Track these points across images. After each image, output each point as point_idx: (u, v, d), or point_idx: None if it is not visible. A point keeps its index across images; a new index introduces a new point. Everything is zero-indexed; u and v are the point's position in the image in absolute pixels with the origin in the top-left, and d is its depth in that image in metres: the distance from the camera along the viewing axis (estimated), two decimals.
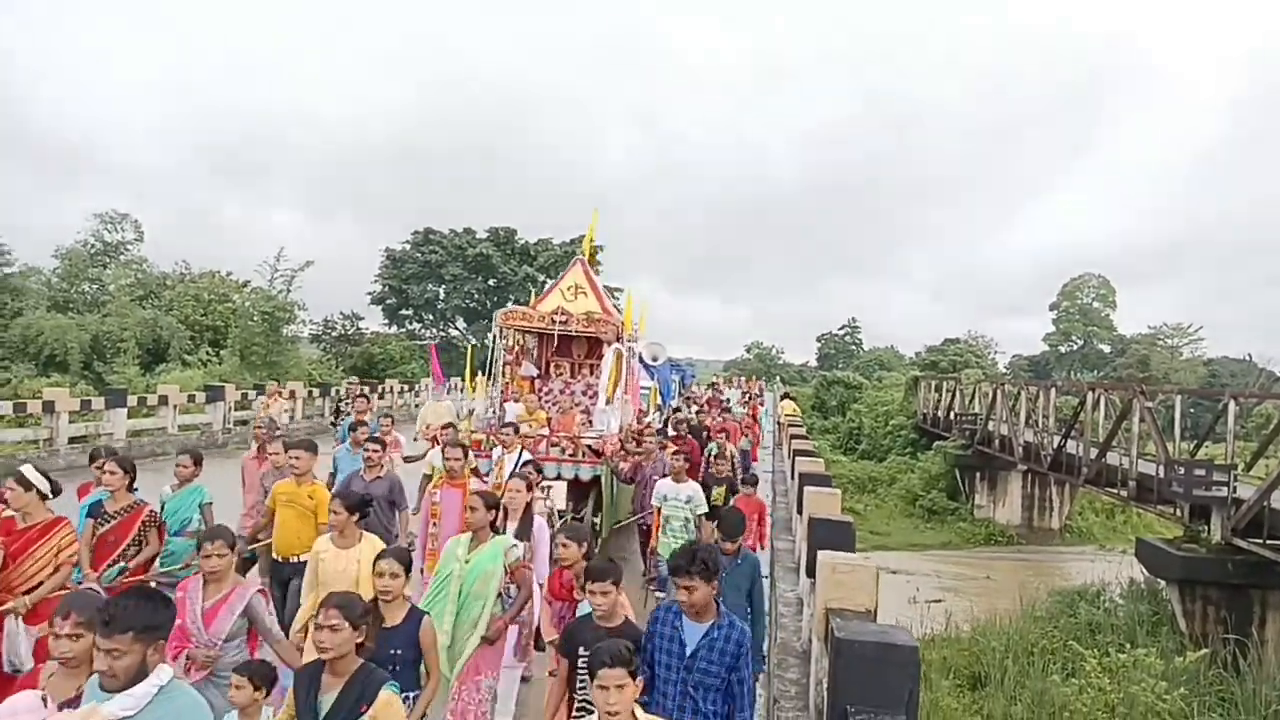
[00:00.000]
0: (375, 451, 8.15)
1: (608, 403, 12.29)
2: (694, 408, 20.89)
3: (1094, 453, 21.95)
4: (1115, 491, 21.18)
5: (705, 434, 14.76)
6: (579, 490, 11.24)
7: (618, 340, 12.65)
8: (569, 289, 14.09)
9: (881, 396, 47.81)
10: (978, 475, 31.81)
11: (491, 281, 54.57)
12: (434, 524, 7.46)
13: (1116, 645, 14.52)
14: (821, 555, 5.91)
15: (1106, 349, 79.76)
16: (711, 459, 11.56)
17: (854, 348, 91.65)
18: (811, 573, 7.01)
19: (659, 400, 20.33)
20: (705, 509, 8.97)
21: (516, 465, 9.25)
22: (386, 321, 55.89)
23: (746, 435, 18.95)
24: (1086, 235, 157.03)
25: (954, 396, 36.74)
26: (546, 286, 15.44)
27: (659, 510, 9.20)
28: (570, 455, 11.38)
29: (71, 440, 19.52)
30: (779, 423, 27.00)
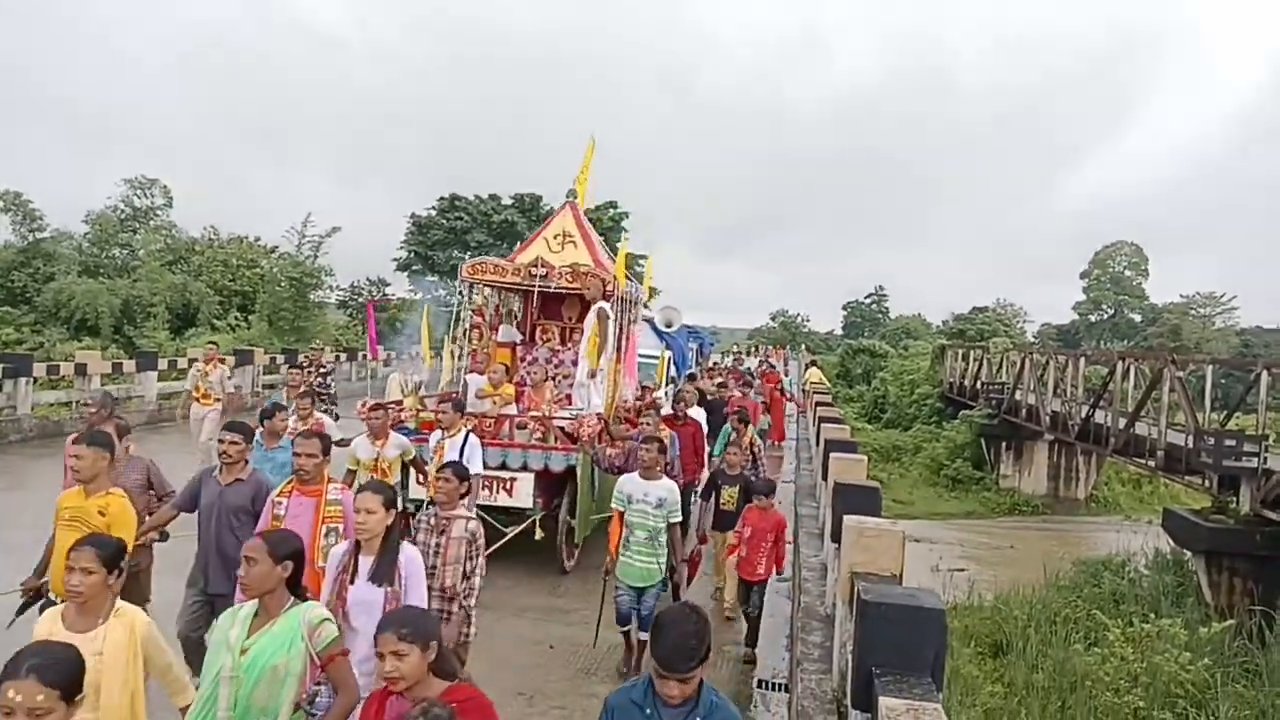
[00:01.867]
0: (234, 444, 5.76)
1: (590, 375, 10.25)
2: (714, 380, 19.08)
3: (1122, 422, 21.76)
4: (1143, 462, 21.01)
5: (725, 412, 12.54)
6: (550, 483, 9.57)
7: (604, 298, 10.41)
8: (555, 237, 11.71)
9: (907, 365, 47.57)
10: (1004, 445, 31.65)
11: (516, 247, 54.67)
12: None
13: (1140, 615, 14.48)
14: (847, 520, 5.93)
15: (1137, 318, 78.92)
16: (726, 448, 9.60)
17: (880, 315, 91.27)
18: (836, 537, 7.03)
19: (671, 371, 18.80)
20: (679, 516, 7.12)
21: (462, 453, 7.90)
22: (412, 288, 56.13)
23: (767, 414, 17.75)
24: (1119, 202, 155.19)
25: (981, 365, 36.50)
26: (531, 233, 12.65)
27: (620, 516, 7.12)
28: (539, 439, 9.62)
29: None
30: (804, 390, 26.97)
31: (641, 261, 55.00)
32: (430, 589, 5.19)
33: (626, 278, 11.78)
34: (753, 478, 9.41)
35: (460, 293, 11.95)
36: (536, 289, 11.17)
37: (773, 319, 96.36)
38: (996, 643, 14.75)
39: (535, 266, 10.90)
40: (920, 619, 4.27)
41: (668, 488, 7.07)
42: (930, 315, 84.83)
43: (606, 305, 10.26)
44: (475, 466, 7.75)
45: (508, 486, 9.32)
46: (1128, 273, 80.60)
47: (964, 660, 13.46)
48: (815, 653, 6.46)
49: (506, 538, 9.34)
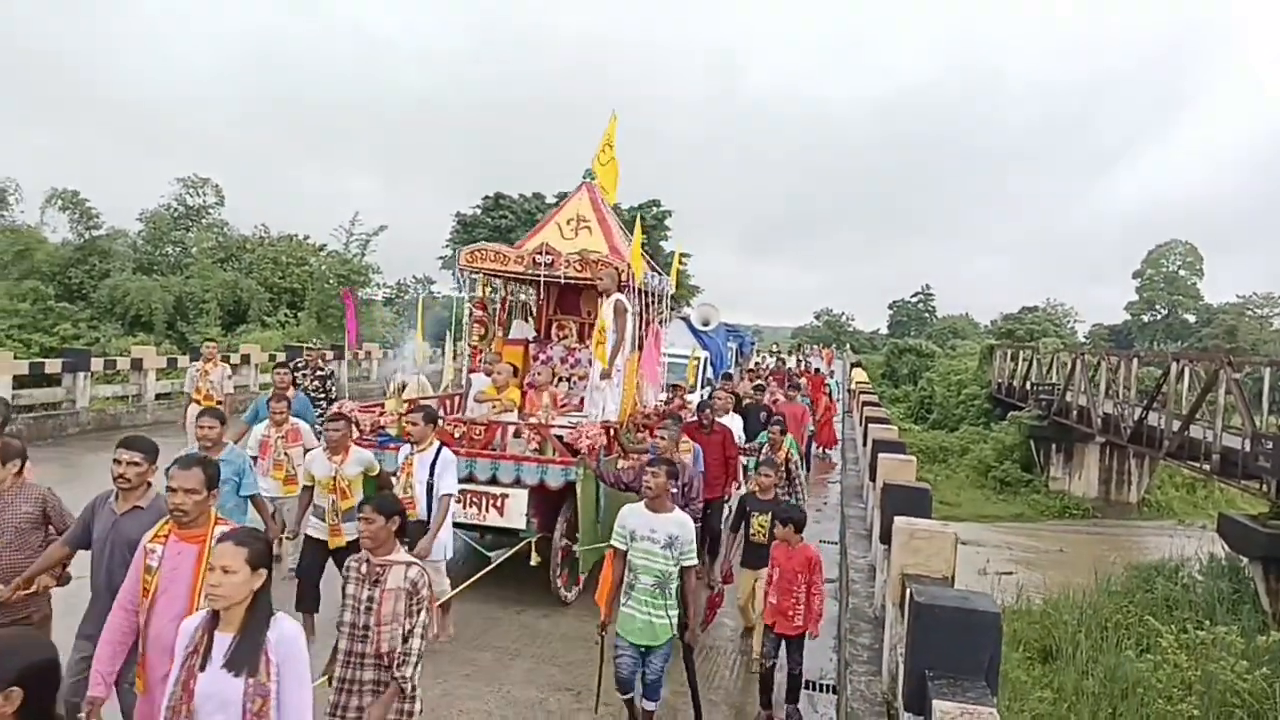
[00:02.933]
0: (132, 464, 4.63)
1: (603, 377, 8.92)
2: (754, 382, 17.44)
3: (1176, 425, 21.35)
4: (1198, 465, 20.59)
5: (765, 418, 11.24)
6: (548, 501, 8.29)
7: (619, 290, 9.19)
8: (569, 222, 10.50)
9: (955, 365, 47.09)
10: (1053, 447, 31.21)
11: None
12: (144, 605, 4.09)
13: (1195, 622, 14.20)
14: (898, 521, 5.88)
15: (1192, 319, 77.33)
16: (756, 465, 8.08)
17: (927, 315, 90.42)
18: (885, 539, 6.98)
19: (708, 373, 17.51)
20: (694, 558, 5.65)
21: (433, 470, 6.90)
22: (457, 286, 56.60)
23: (811, 422, 16.44)
24: (1173, 200, 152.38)
25: (1031, 366, 36.02)
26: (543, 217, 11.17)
27: (616, 555, 5.79)
28: (535, 451, 8.40)
29: (158, 397, 20.37)
30: (850, 390, 26.77)
31: (685, 259, 55.22)
32: (364, 656, 4.40)
33: (652, 268, 10.83)
34: (787, 500, 8.33)
35: (458, 283, 10.75)
36: (543, 279, 9.79)
37: (817, 318, 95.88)
38: (1045, 648, 14.54)
39: (540, 254, 9.61)
40: (974, 622, 4.23)
41: (679, 523, 5.62)
42: (978, 315, 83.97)
43: (623, 297, 9.03)
44: (447, 487, 6.88)
45: (498, 504, 8.18)
46: (1182, 272, 78.98)
47: (1012, 665, 13.29)
48: (864, 654, 6.42)
49: (495, 563, 8.09)
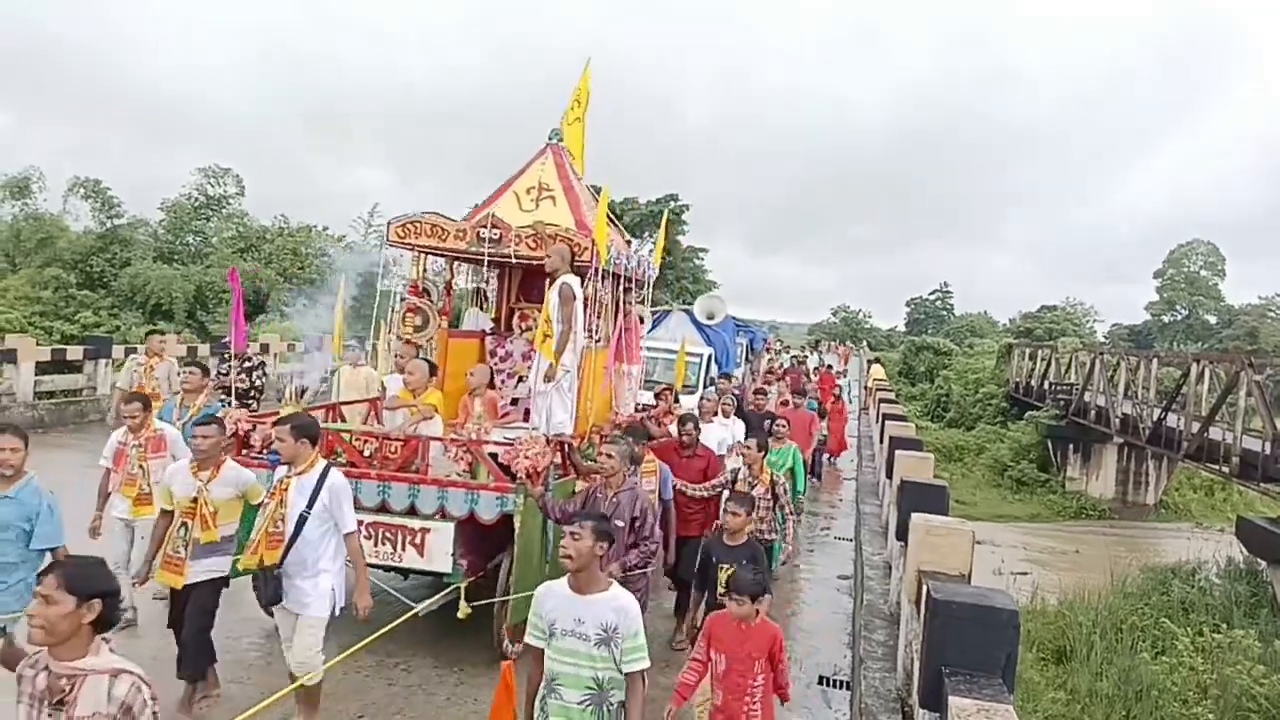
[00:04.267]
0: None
1: (547, 379, 6.95)
2: (768, 384, 16.24)
3: (1196, 427, 21.21)
4: (1217, 467, 20.45)
5: (769, 427, 9.73)
6: (480, 537, 6.70)
7: (572, 269, 7.39)
8: (529, 191, 8.71)
9: (972, 364, 46.87)
10: (1071, 447, 31.06)
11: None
12: None
13: (1211, 625, 14.11)
14: (915, 518, 5.89)
15: (1213, 319, 76.66)
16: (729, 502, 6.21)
17: (945, 313, 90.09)
18: (902, 536, 6.98)
19: (711, 372, 15.84)
20: (642, 658, 3.90)
21: (314, 498, 5.27)
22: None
23: (821, 428, 14.88)
24: (1195, 199, 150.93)
25: (1049, 365, 35.82)
26: (502, 183, 9.21)
27: (527, 655, 4.13)
28: (465, 474, 6.82)
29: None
30: (866, 387, 26.69)
31: (701, 254, 55.06)
32: None
33: (627, 242, 9.47)
34: (770, 541, 7.44)
35: (385, 262, 9.15)
36: (487, 258, 8.05)
37: (834, 314, 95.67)
38: (1060, 649, 14.49)
39: (485, 227, 7.85)
40: (992, 619, 4.22)
41: (619, 608, 3.89)
42: (996, 313, 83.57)
43: (572, 280, 7.22)
44: (347, 522, 5.36)
45: (417, 540, 6.55)
46: (1203, 272, 78.29)
47: (1026, 665, 13.25)
48: (879, 651, 6.42)
49: (412, 613, 6.36)
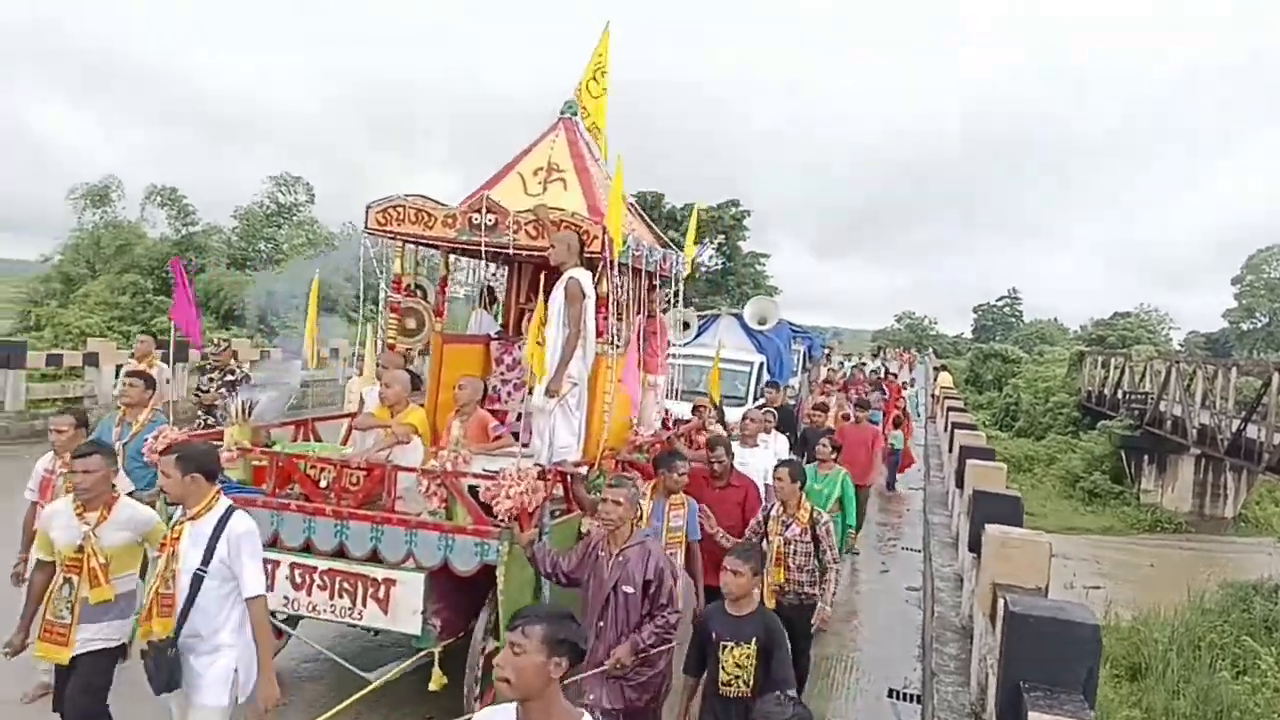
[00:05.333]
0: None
1: (548, 394, 5.92)
2: (824, 396, 14.93)
3: (1278, 438, 20.51)
4: None
5: (828, 443, 8.51)
6: (456, 591, 5.49)
7: (580, 263, 6.30)
8: (536, 172, 7.27)
9: (1042, 372, 45.96)
10: (1145, 458, 30.27)
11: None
12: None
13: None
14: (990, 529, 5.77)
15: None
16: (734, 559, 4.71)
17: (1013, 320, 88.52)
18: (974, 547, 6.85)
19: (762, 382, 14.50)
20: None
21: (211, 550, 4.19)
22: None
23: (884, 446, 13.47)
24: (1275, 203, 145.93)
25: (1123, 374, 35.03)
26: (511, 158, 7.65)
27: None
28: (437, 512, 5.57)
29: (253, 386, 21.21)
30: (934, 395, 26.28)
31: (763, 260, 54.75)
32: None
33: (659, 240, 8.25)
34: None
35: (366, 253, 7.56)
36: (484, 248, 6.69)
37: (898, 321, 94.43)
38: (1134, 665, 14.10)
39: (476, 211, 6.57)
40: (1072, 634, 4.12)
41: None
42: (1067, 320, 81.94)
43: (584, 276, 6.18)
44: (252, 584, 4.23)
45: (380, 593, 5.38)
46: None
47: (1100, 682, 12.91)
48: (951, 664, 6.31)
49: (369, 688, 5.26)
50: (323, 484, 5.69)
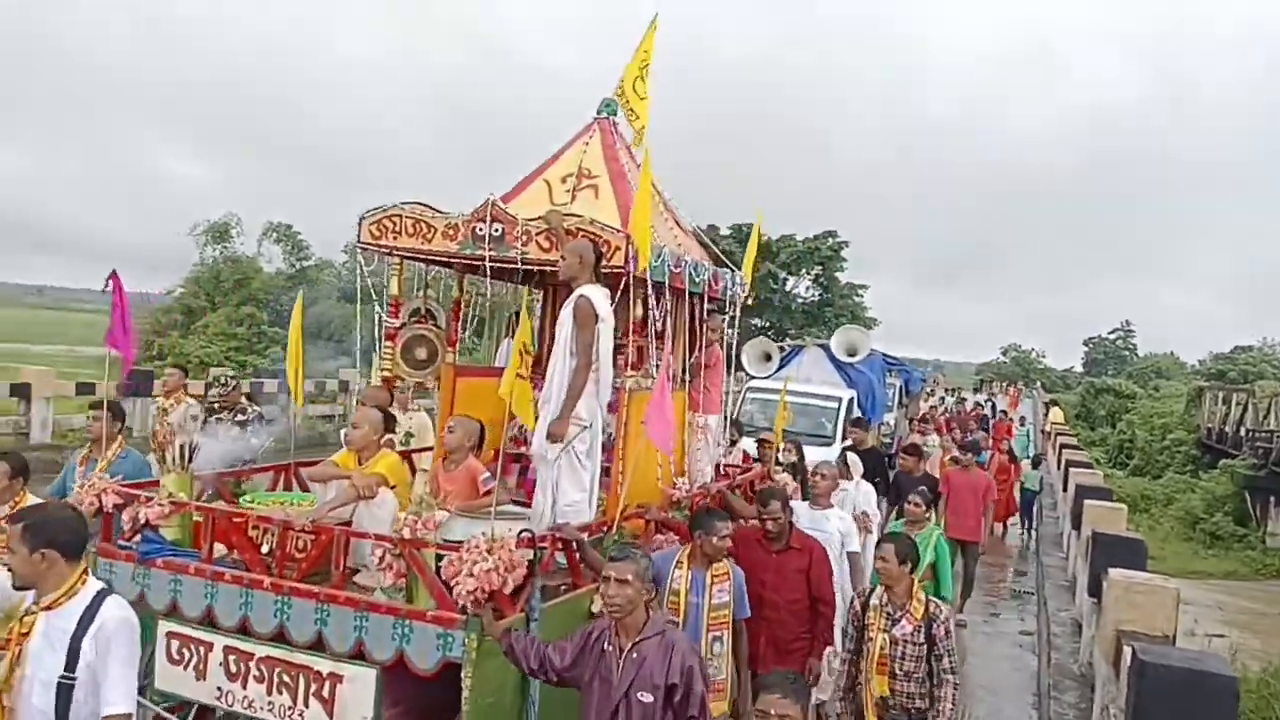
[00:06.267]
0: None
1: (552, 439, 5.04)
2: (921, 434, 13.61)
3: None
4: None
5: (933, 498, 7.92)
6: (419, 691, 4.37)
7: (594, 279, 5.25)
8: (565, 179, 6.30)
9: (1158, 407, 44.16)
10: (1272, 499, 28.74)
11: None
12: None
13: None
14: (1112, 573, 5.57)
15: None
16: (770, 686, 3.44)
17: (1126, 353, 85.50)
18: (1094, 592, 6.60)
19: (851, 418, 12.88)
20: None
21: (75, 651, 3.19)
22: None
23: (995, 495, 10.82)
24: None
25: (1245, 410, 33.39)
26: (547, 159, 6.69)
27: None
28: (394, 590, 4.36)
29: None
30: (1044, 432, 25.43)
31: (861, 291, 54.03)
32: None
33: (710, 254, 7.13)
34: None
35: (361, 271, 6.64)
36: (488, 263, 5.61)
37: (1004, 354, 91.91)
38: None
39: (480, 220, 5.56)
40: (1206, 686, 3.96)
41: None
42: (1184, 354, 78.57)
43: (599, 295, 5.17)
44: (113, 698, 3.20)
45: (324, 691, 4.36)
46: None
47: None
48: (1070, 714, 6.09)
49: None
50: (264, 549, 4.65)
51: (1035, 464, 15.85)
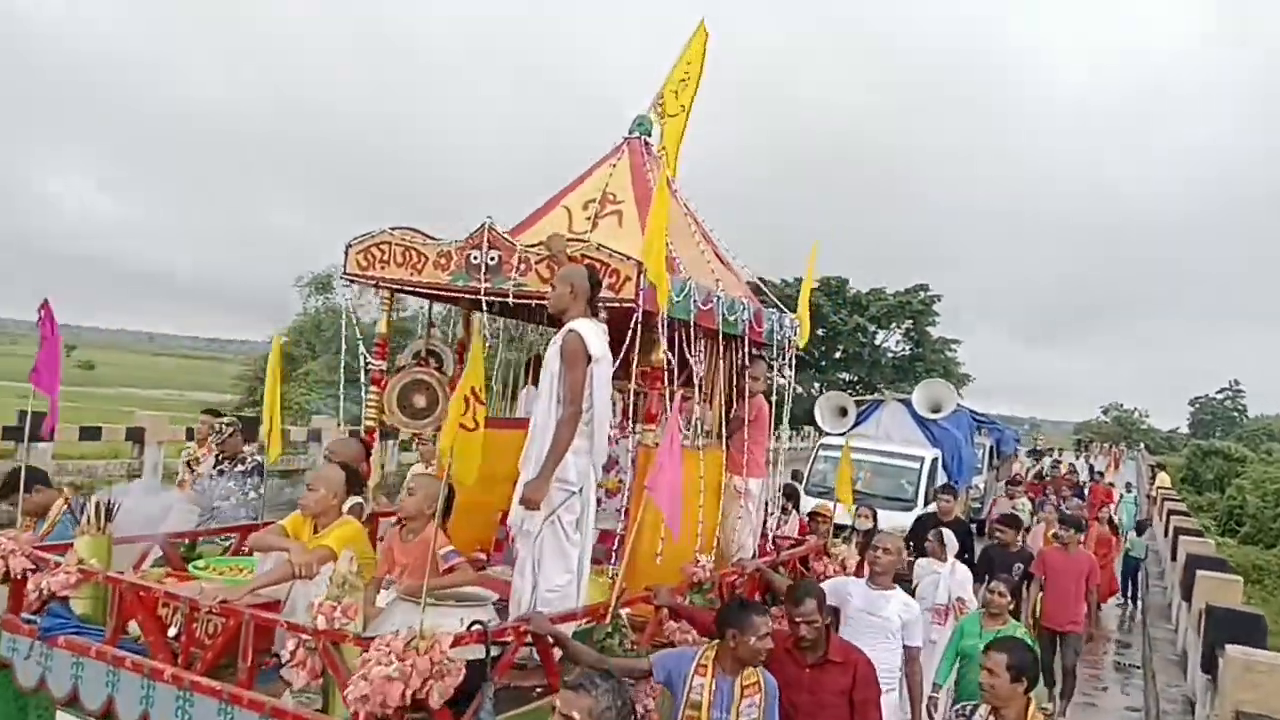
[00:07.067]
0: None
1: (526, 504, 4.22)
2: (1012, 500, 12.56)
3: None
4: None
5: (1022, 578, 7.41)
6: None
7: (585, 311, 4.41)
8: (587, 205, 5.63)
9: (1272, 472, 41.95)
10: None
11: (820, 331, 54.37)
12: None
13: None
14: (1230, 650, 5.30)
15: None
16: None
17: (1235, 414, 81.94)
18: (1208, 668, 6.27)
19: (934, 482, 12.10)
20: None
21: None
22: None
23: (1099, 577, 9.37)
24: None
25: None
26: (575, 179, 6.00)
27: None
28: (314, 694, 3.53)
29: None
30: (1150, 496, 24.38)
31: (954, 346, 52.87)
32: None
33: (762, 296, 6.48)
34: None
35: (347, 305, 6.21)
36: (484, 296, 4.91)
37: (1104, 413, 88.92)
38: None
39: (475, 247, 4.89)
40: None
41: None
42: None
43: (592, 331, 4.35)
44: None
45: None
46: None
47: None
48: None
49: None
50: (172, 631, 3.99)
51: (1140, 530, 15.00)
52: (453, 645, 3.25)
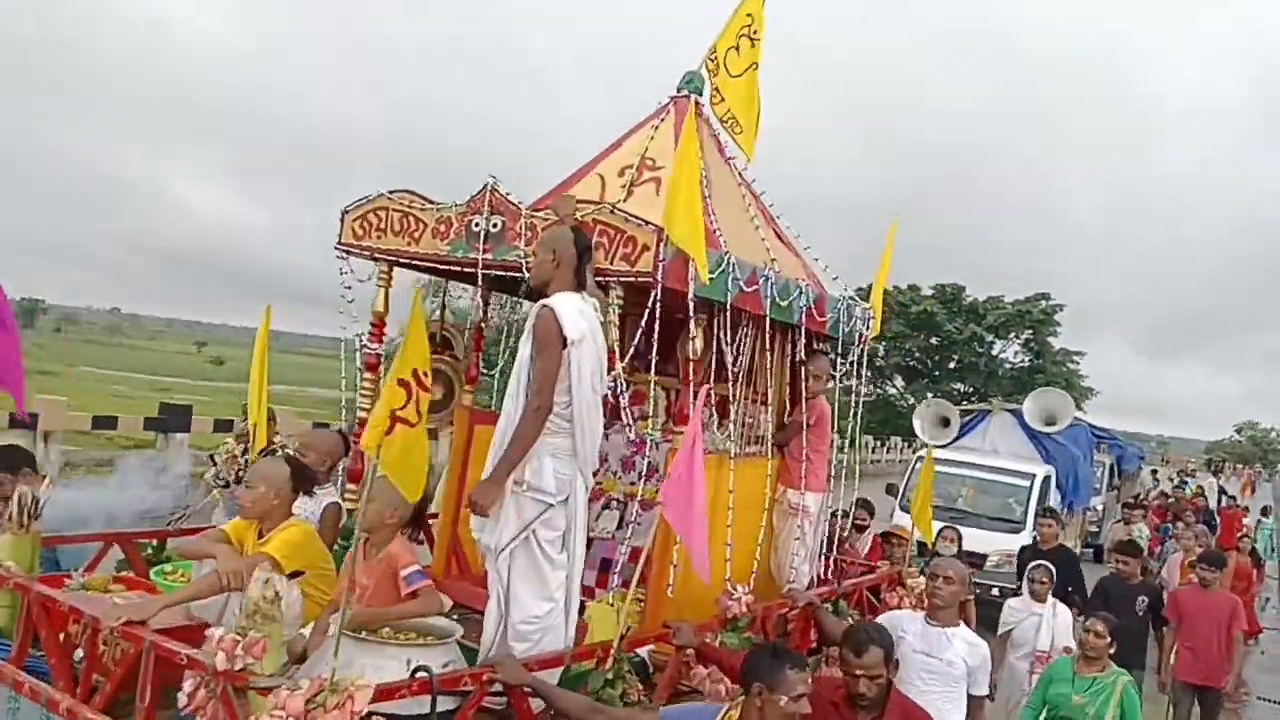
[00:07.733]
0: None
1: (474, 509, 3.50)
2: (1130, 525, 11.55)
3: None
4: None
5: (1153, 617, 6.71)
6: None
7: (572, 284, 3.61)
8: (623, 171, 4.82)
9: None
10: None
11: (934, 340, 52.78)
12: None
13: None
14: None
15: None
16: None
17: None
18: None
19: (1045, 500, 11.27)
20: None
21: None
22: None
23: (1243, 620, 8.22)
24: None
25: None
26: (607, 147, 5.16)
27: None
28: None
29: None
30: None
31: (1076, 358, 50.68)
32: None
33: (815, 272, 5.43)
34: None
35: (345, 282, 4.90)
36: (480, 269, 4.31)
37: (1237, 432, 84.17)
38: None
39: (477, 213, 4.30)
40: None
41: None
42: None
43: (571, 307, 3.53)
44: None
45: None
46: None
47: None
48: None
49: None
50: (78, 654, 3.37)
51: (1258, 563, 13.10)
52: (382, 698, 2.61)
